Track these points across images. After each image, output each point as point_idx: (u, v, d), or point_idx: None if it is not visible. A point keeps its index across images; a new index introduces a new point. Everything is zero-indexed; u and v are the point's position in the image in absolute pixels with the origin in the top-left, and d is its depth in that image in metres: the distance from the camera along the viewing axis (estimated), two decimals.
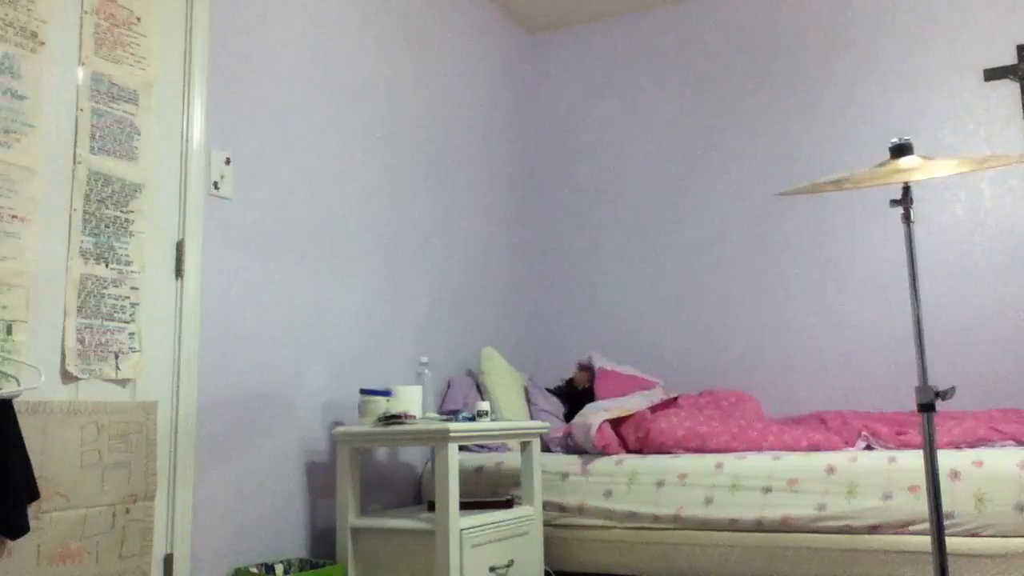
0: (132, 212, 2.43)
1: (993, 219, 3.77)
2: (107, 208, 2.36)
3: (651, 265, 4.40)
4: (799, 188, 2.31)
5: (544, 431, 3.20)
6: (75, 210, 2.28)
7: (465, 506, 2.90)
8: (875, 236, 3.96)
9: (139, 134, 2.47)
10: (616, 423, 3.37)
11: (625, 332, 4.40)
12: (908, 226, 2.21)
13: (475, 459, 3.41)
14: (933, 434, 2.10)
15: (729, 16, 4.39)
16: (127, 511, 2.31)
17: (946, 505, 2.61)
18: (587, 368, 3.97)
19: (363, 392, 2.94)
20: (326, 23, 3.27)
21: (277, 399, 2.88)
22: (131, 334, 2.40)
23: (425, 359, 3.15)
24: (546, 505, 3.16)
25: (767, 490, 2.87)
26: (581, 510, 3.12)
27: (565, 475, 3.18)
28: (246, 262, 2.82)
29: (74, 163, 2.29)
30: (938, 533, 2.07)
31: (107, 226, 2.36)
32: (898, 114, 3.98)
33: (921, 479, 2.69)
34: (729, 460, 3.00)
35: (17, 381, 2.06)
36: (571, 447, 3.37)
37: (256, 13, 2.95)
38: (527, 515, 3.01)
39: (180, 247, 2.57)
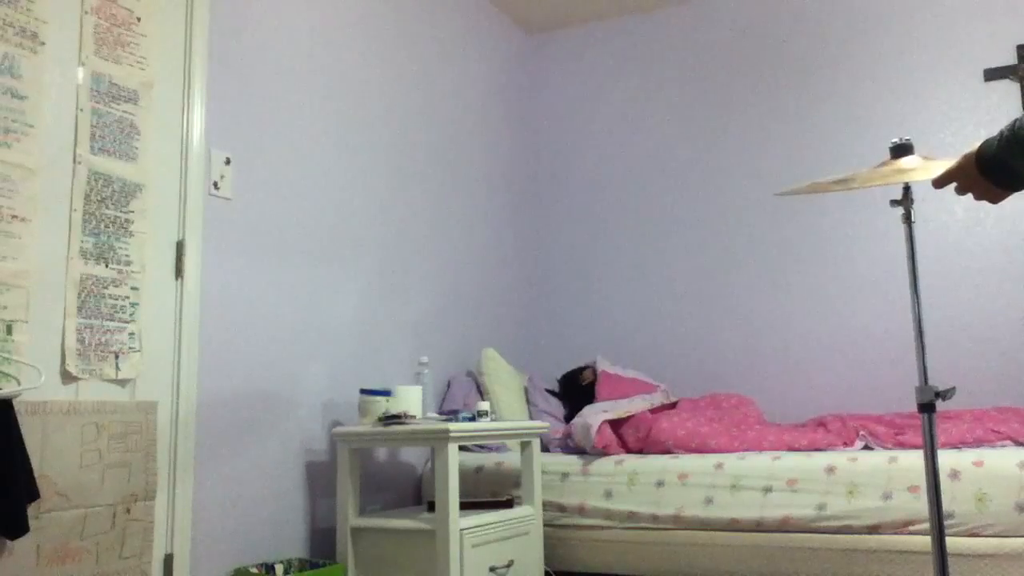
0: (132, 212, 2.43)
1: (993, 219, 3.76)
2: (107, 208, 2.36)
3: (651, 265, 4.39)
4: (799, 188, 2.31)
5: (544, 431, 3.21)
6: (75, 210, 2.28)
7: (465, 506, 2.90)
8: (875, 236, 3.96)
9: (139, 134, 2.47)
10: (616, 424, 3.37)
11: (625, 332, 4.40)
12: (908, 226, 2.21)
13: (475, 459, 3.41)
14: (934, 434, 2.10)
15: (729, 17, 4.39)
16: (127, 511, 2.31)
17: (946, 505, 2.62)
18: (592, 369, 3.97)
19: (363, 392, 2.94)
20: (326, 23, 3.27)
21: (277, 399, 2.88)
22: (131, 334, 2.40)
23: (425, 359, 3.16)
24: (546, 505, 3.16)
25: (767, 490, 2.87)
26: (581, 510, 3.12)
27: (565, 475, 3.18)
28: (246, 262, 2.82)
29: (74, 163, 2.29)
30: (938, 533, 2.07)
31: (107, 226, 2.36)
32: (898, 114, 3.98)
33: (921, 479, 2.69)
34: (729, 460, 3.00)
35: (17, 381, 2.06)
36: (571, 447, 3.37)
37: (256, 13, 2.95)
38: (527, 515, 3.01)
39: (180, 247, 2.57)
